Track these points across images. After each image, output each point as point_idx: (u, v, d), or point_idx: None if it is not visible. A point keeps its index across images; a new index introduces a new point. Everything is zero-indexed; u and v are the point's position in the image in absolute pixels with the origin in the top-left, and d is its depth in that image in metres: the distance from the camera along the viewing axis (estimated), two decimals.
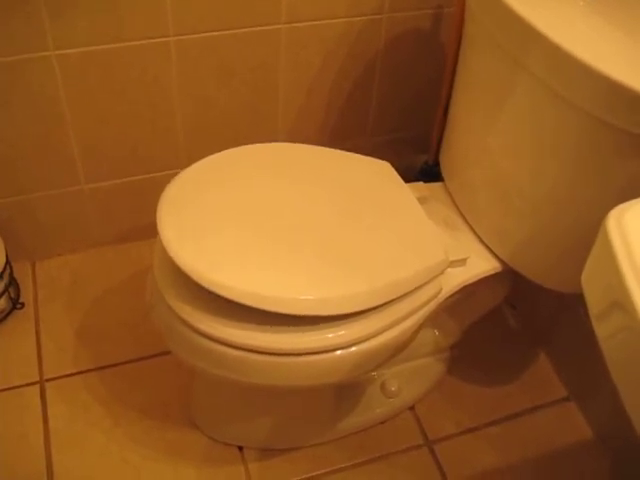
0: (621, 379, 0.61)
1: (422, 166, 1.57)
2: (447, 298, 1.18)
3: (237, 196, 1.14)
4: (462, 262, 1.19)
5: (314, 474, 1.32)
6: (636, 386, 0.59)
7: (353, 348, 1.06)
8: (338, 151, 1.28)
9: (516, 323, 1.62)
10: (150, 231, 1.12)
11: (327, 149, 1.28)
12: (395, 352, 1.15)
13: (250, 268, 1.03)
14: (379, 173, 1.25)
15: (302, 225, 1.11)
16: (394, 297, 1.07)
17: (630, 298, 0.57)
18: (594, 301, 0.65)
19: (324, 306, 1.02)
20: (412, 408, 1.43)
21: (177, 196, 1.12)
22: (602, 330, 0.63)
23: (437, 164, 1.40)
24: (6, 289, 1.48)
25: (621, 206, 0.64)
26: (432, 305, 1.15)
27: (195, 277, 1.00)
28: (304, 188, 1.18)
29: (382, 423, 1.40)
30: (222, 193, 1.14)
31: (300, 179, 1.20)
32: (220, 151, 1.21)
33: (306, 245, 1.08)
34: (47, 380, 1.42)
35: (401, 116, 1.68)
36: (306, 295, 1.02)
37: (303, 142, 1.59)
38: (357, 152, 1.28)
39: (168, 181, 1.15)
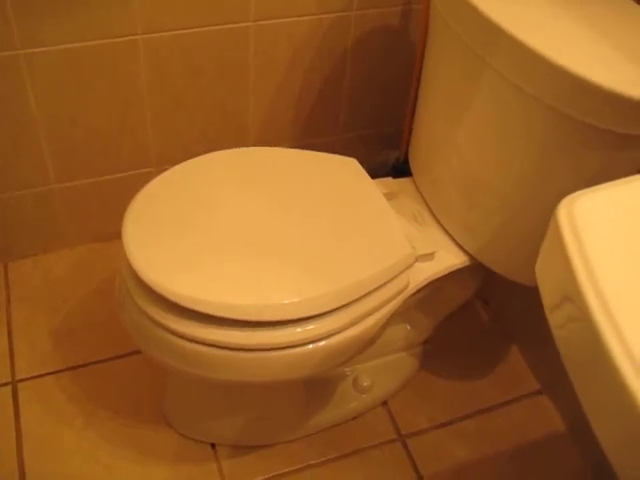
0: (572, 369, 0.61)
1: (394, 162, 1.57)
2: (415, 292, 1.19)
3: (202, 207, 1.14)
4: (430, 256, 1.20)
5: (287, 470, 1.32)
6: (586, 378, 0.59)
7: (322, 342, 1.07)
8: (304, 151, 1.28)
9: (489, 318, 1.63)
10: None
11: (293, 150, 1.29)
12: (364, 346, 1.15)
13: (217, 279, 1.03)
14: (345, 170, 1.26)
15: (267, 231, 1.12)
16: (360, 295, 1.08)
17: (579, 290, 0.57)
18: (547, 292, 0.65)
19: (289, 311, 1.03)
20: (385, 403, 1.44)
21: (142, 211, 1.12)
22: (554, 320, 0.64)
23: (408, 160, 1.41)
24: None
25: (572, 195, 0.64)
26: (399, 299, 1.15)
27: (167, 295, 1.01)
28: (270, 193, 1.18)
29: (355, 419, 1.40)
30: (187, 205, 1.14)
31: (266, 184, 1.20)
32: (189, 150, 1.22)
33: (272, 251, 1.09)
34: (19, 381, 1.41)
35: (372, 112, 1.69)
36: (272, 301, 1.03)
37: (274, 140, 1.60)
38: (328, 149, 1.28)
39: (139, 180, 1.15)
